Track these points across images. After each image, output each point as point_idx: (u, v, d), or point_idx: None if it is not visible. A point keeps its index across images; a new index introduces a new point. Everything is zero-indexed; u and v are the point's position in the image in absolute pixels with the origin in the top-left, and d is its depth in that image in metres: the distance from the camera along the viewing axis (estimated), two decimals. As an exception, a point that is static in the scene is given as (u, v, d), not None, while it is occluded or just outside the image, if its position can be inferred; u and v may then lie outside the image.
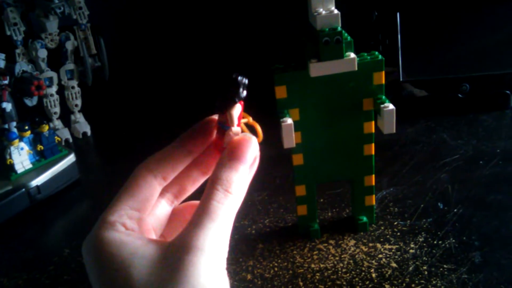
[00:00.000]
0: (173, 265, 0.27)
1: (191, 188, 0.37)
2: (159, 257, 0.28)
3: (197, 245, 0.28)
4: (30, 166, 0.65)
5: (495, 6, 0.74)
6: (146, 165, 0.33)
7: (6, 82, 0.70)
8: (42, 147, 0.66)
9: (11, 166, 0.64)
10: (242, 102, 0.33)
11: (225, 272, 0.29)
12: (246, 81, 0.32)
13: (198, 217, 0.29)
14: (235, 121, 0.32)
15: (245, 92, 0.32)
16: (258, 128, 0.33)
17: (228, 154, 0.31)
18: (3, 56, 0.73)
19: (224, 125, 0.32)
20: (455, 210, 0.55)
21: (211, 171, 0.32)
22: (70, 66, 0.81)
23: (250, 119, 0.33)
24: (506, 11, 0.74)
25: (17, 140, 0.64)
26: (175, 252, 0.28)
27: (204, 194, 0.30)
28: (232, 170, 0.31)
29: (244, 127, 0.33)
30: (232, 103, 0.32)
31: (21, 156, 0.64)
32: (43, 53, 0.78)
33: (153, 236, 0.32)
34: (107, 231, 0.29)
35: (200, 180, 0.36)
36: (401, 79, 0.75)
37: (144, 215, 0.32)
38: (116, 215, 0.30)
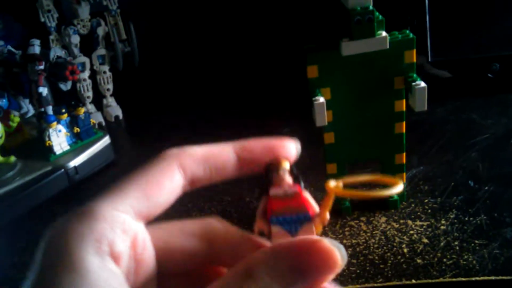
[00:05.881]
0: None
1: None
2: None
3: None
4: (68, 147, 0.68)
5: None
6: (181, 157, 0.24)
7: (42, 67, 0.73)
8: (78, 129, 0.69)
9: (50, 148, 0.66)
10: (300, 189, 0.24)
11: None
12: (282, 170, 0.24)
13: None
14: (259, 215, 0.24)
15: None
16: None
17: (293, 258, 0.20)
18: (38, 42, 0.75)
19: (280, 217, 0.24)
20: (486, 188, 0.56)
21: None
22: (101, 51, 0.83)
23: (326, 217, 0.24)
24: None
25: (55, 123, 0.66)
26: None
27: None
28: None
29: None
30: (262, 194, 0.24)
31: (59, 138, 0.67)
32: (75, 39, 0.80)
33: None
34: (81, 243, 0.19)
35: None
36: (429, 60, 0.75)
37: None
38: (110, 219, 0.21)
